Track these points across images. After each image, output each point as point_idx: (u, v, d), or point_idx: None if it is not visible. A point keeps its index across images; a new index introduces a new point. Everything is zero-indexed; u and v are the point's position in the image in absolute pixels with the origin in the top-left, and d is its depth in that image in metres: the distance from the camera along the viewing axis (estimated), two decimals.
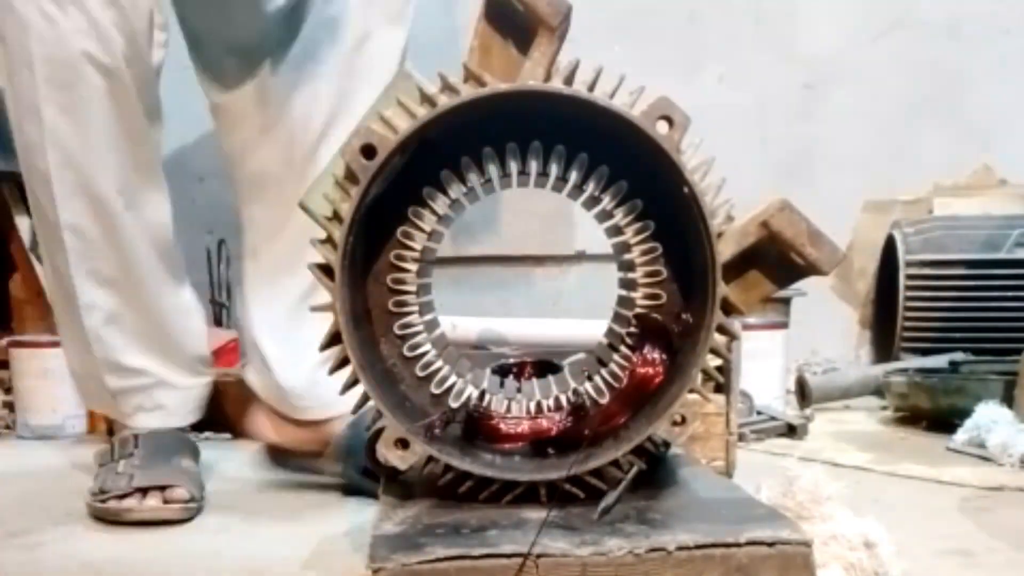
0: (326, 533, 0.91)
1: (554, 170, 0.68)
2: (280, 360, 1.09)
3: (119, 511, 0.98)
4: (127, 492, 0.98)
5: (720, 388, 1.12)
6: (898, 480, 1.18)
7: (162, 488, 0.99)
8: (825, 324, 2.21)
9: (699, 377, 0.66)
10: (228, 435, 1.42)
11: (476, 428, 0.69)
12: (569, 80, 0.66)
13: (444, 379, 0.71)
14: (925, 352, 1.84)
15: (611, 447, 0.67)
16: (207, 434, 1.38)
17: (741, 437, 1.33)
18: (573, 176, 0.68)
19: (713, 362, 0.68)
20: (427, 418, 0.68)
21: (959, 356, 1.70)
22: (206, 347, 1.15)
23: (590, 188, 0.69)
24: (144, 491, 0.99)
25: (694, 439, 1.10)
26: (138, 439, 1.07)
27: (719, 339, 0.66)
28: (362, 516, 0.96)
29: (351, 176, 0.65)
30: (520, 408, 0.71)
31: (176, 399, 1.11)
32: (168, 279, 1.08)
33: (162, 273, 1.07)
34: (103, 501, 0.98)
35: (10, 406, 1.57)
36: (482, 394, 0.70)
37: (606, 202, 0.69)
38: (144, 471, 1.01)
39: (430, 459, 0.66)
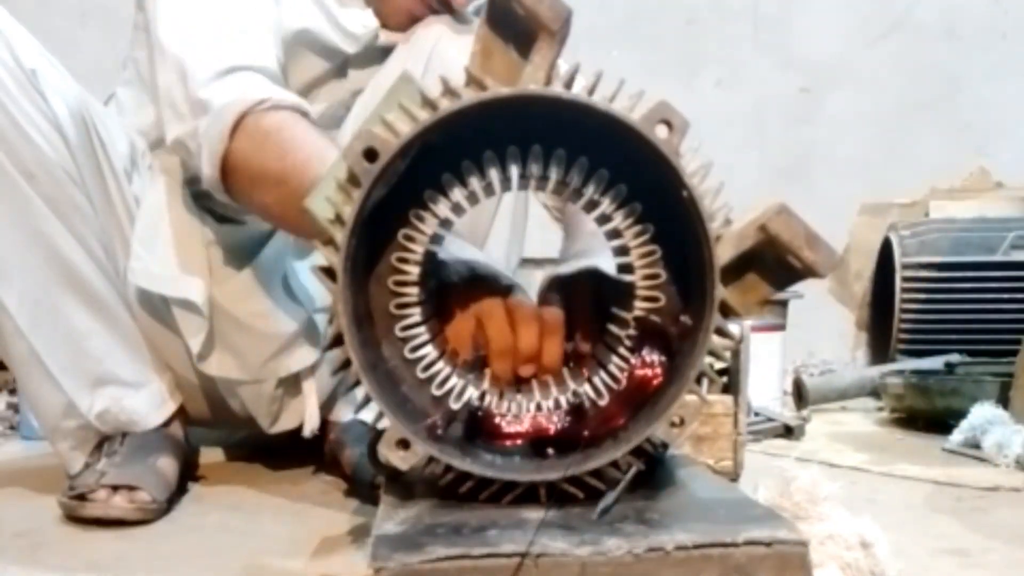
0: (328, 533, 0.91)
1: (554, 174, 0.69)
2: None
3: (75, 507, 0.98)
4: (94, 489, 0.99)
5: (728, 389, 1.13)
6: (894, 480, 1.19)
7: (130, 488, 0.99)
8: (822, 326, 2.22)
9: (698, 379, 0.67)
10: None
11: (477, 428, 0.70)
12: (569, 84, 0.66)
13: (445, 381, 0.71)
14: (921, 354, 1.85)
15: (610, 448, 0.68)
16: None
17: None
18: (573, 180, 0.69)
19: (716, 364, 0.68)
20: (428, 419, 0.68)
21: (955, 358, 1.71)
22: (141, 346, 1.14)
23: (589, 191, 0.69)
24: (115, 489, 0.99)
25: (702, 439, 1.11)
26: (125, 437, 1.09)
27: (718, 341, 0.67)
28: (363, 516, 0.97)
29: (353, 179, 0.65)
30: (520, 409, 0.71)
31: (142, 403, 1.12)
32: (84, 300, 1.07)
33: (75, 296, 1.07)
34: (69, 496, 0.99)
35: (14, 407, 1.57)
36: (483, 395, 0.71)
37: (605, 205, 0.70)
38: (119, 469, 1.02)
39: (431, 459, 0.67)
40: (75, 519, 0.98)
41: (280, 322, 1.13)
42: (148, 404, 1.12)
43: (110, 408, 1.08)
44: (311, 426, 1.13)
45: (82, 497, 0.98)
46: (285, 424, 1.18)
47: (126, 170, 1.11)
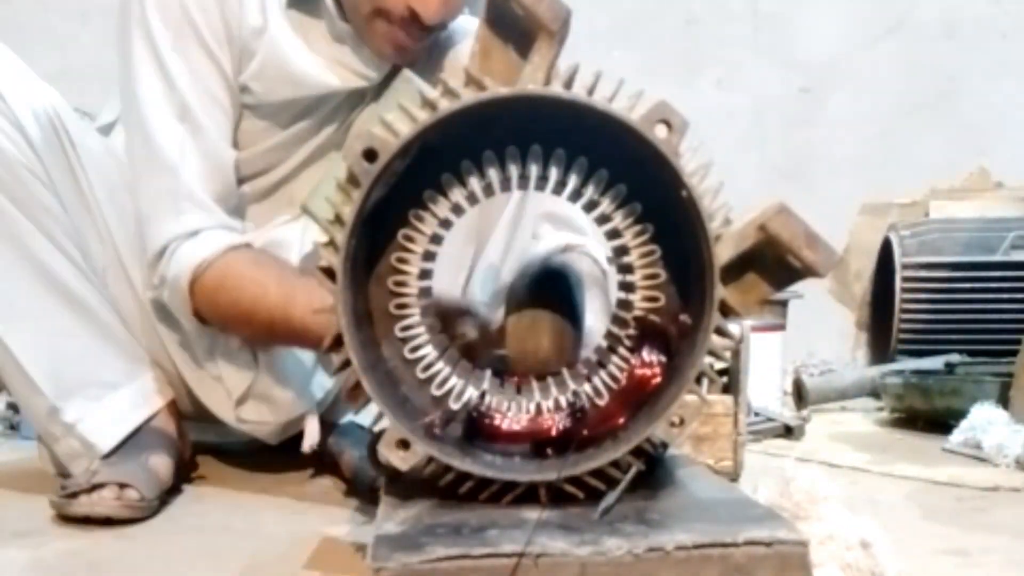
0: (328, 533, 0.91)
1: (554, 174, 0.69)
2: None
3: (63, 505, 0.98)
4: (85, 488, 0.98)
5: (728, 389, 1.13)
6: (894, 480, 1.19)
7: (120, 486, 0.99)
8: (822, 326, 2.22)
9: (698, 379, 0.67)
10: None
11: (476, 429, 0.70)
12: (568, 84, 0.66)
13: (445, 381, 0.71)
14: (921, 354, 1.85)
15: (610, 448, 0.68)
16: None
17: None
18: (572, 180, 0.69)
19: (716, 364, 0.68)
20: (425, 418, 0.68)
21: (955, 358, 1.71)
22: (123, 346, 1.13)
23: (589, 191, 0.70)
24: (104, 486, 0.99)
25: (702, 439, 1.11)
26: None
27: (717, 341, 0.67)
28: (363, 516, 0.97)
29: (353, 180, 0.65)
30: (520, 409, 0.72)
31: (124, 400, 1.11)
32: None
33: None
34: (60, 495, 0.99)
35: (14, 407, 1.57)
36: (482, 395, 0.71)
37: (605, 205, 0.70)
38: (111, 468, 1.02)
39: (431, 459, 0.67)
40: (67, 518, 0.98)
41: (295, 368, 1.14)
42: (130, 402, 1.11)
43: (92, 410, 1.08)
44: (310, 443, 1.13)
45: (73, 496, 0.98)
46: (287, 435, 1.18)
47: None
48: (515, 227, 1.18)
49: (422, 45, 1.09)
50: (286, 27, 1.08)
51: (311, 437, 1.13)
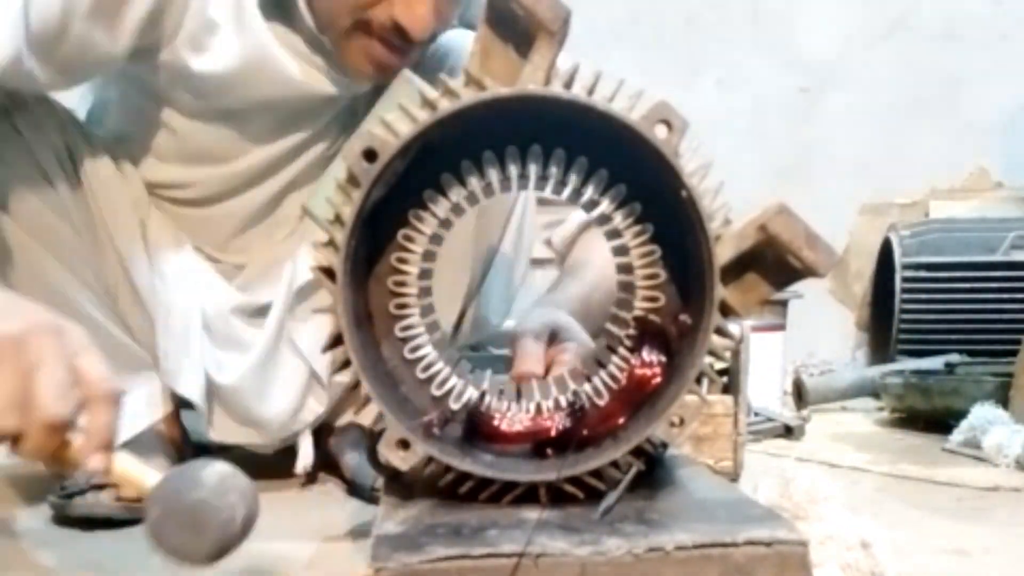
0: (328, 533, 0.91)
1: (554, 174, 0.69)
2: None
3: (62, 506, 0.98)
4: (84, 489, 0.98)
5: (728, 389, 1.13)
6: (894, 480, 1.19)
7: (117, 487, 0.99)
8: (822, 326, 2.22)
9: (698, 379, 0.67)
10: None
11: (476, 429, 0.70)
12: (568, 84, 0.66)
13: (445, 381, 0.71)
14: (921, 354, 1.85)
15: (610, 448, 0.68)
16: None
17: None
18: (572, 180, 0.69)
19: (716, 364, 0.68)
20: (424, 418, 0.68)
21: (955, 358, 1.71)
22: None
23: (589, 191, 0.70)
24: (102, 487, 0.99)
25: (702, 439, 1.11)
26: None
27: (718, 341, 0.67)
28: (364, 516, 0.97)
29: (353, 180, 0.65)
30: (520, 409, 0.72)
31: (127, 408, 1.10)
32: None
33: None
34: (59, 496, 0.99)
35: None
36: (482, 395, 0.71)
37: (605, 205, 0.70)
38: None
39: (431, 459, 0.67)
40: (66, 518, 0.98)
41: (283, 400, 1.13)
42: (131, 409, 1.10)
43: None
44: (304, 464, 1.13)
45: (73, 496, 0.98)
46: (282, 444, 1.19)
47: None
48: (520, 232, 1.17)
49: (405, 63, 0.97)
50: (266, 29, 1.01)
51: (304, 459, 1.13)
